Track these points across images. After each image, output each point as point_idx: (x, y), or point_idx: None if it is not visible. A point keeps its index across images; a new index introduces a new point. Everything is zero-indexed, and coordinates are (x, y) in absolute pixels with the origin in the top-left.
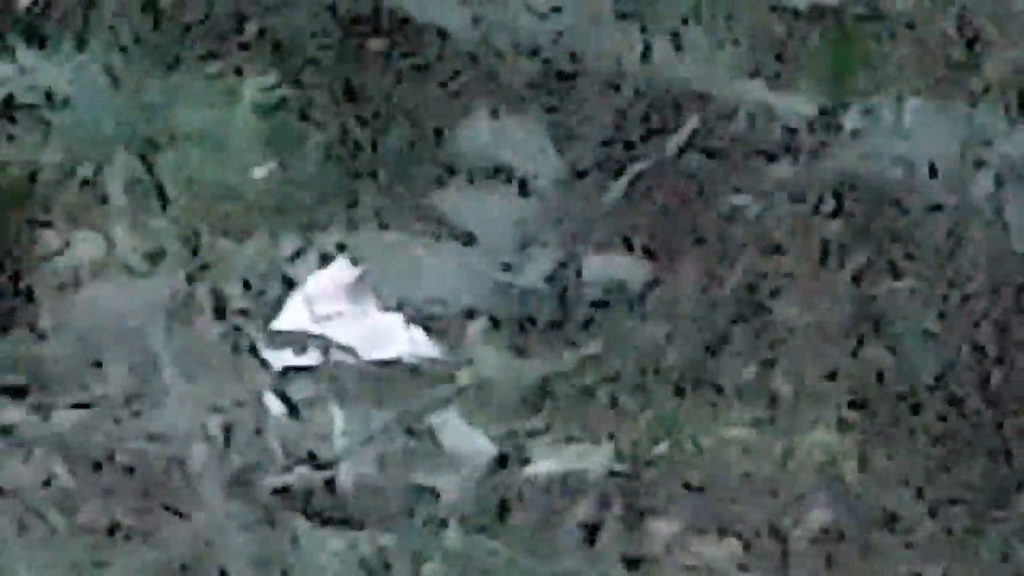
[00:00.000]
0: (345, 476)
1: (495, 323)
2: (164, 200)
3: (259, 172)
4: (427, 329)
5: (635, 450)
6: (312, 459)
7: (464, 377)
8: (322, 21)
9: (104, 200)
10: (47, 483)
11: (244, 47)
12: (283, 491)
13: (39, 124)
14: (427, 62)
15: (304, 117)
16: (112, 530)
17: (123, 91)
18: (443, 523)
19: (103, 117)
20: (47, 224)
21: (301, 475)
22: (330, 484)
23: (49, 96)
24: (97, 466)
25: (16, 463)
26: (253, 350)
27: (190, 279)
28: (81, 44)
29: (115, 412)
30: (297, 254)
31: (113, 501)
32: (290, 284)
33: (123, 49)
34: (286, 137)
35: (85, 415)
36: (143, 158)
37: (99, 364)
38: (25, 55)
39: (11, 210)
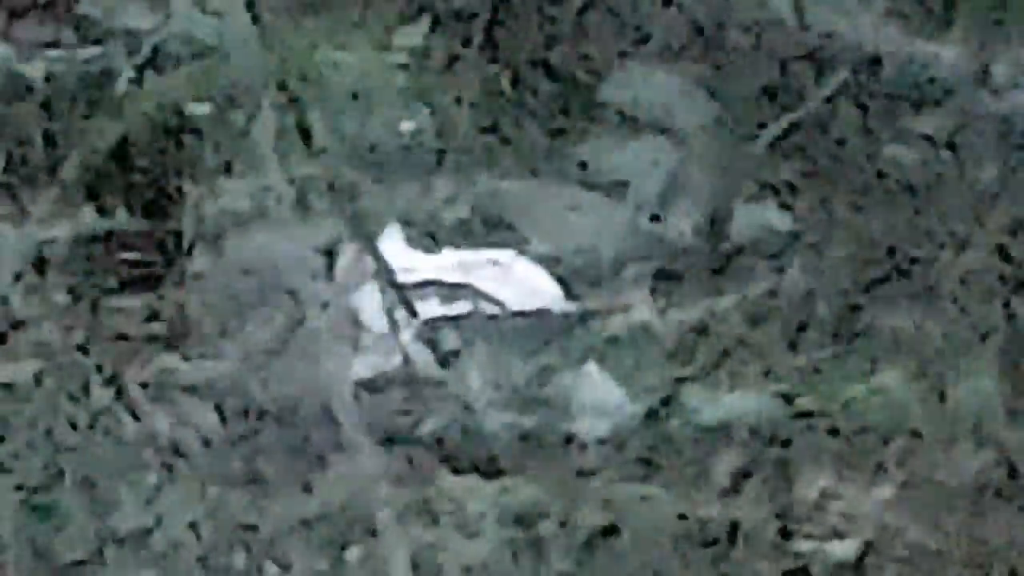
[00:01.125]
0: (493, 426)
1: (645, 272)
2: (313, 149)
3: (406, 125)
4: (576, 279)
5: (786, 399)
6: (460, 409)
7: (615, 326)
8: None
9: (254, 150)
10: (197, 432)
11: None
12: (431, 441)
13: (189, 73)
14: (575, 13)
15: (451, 68)
16: (261, 480)
17: (272, 41)
18: (592, 472)
19: (252, 67)
20: (196, 174)
21: (449, 425)
22: (478, 434)
23: (199, 46)
24: (245, 416)
25: (166, 412)
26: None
27: (342, 228)
28: None
29: (264, 362)
30: (449, 201)
31: (262, 451)
32: (440, 234)
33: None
34: (434, 89)
35: (234, 365)
36: (292, 108)
37: (249, 313)
38: (178, 4)
39: (161, 161)
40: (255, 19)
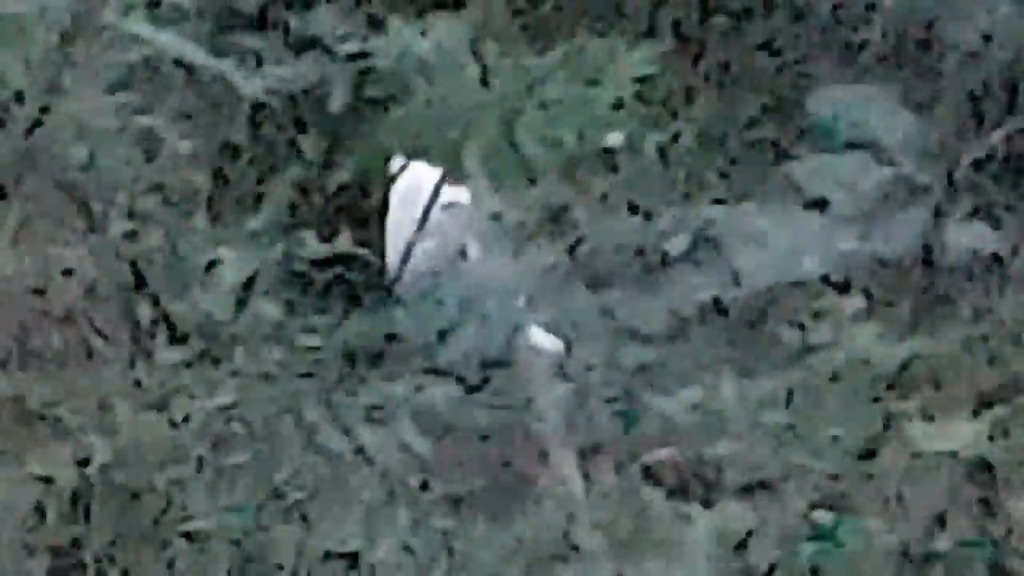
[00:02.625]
0: (716, 451)
1: (847, 288)
2: (528, 171)
3: (613, 139)
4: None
5: (998, 429)
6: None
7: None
8: None
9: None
10: (405, 451)
11: (619, 17)
12: (647, 466)
13: (402, 93)
14: (780, 32)
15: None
16: (467, 500)
17: (488, 62)
18: (813, 506)
19: (465, 87)
20: None
21: (664, 451)
22: (696, 460)
23: (414, 65)
24: (451, 434)
25: (376, 431)
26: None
27: (559, 251)
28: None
29: (469, 380)
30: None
31: (467, 470)
32: (664, 259)
33: (491, 22)
34: (658, 117)
35: (441, 383)
36: (505, 130)
37: (458, 333)
38: (396, 27)
39: (372, 181)
40: (474, 43)
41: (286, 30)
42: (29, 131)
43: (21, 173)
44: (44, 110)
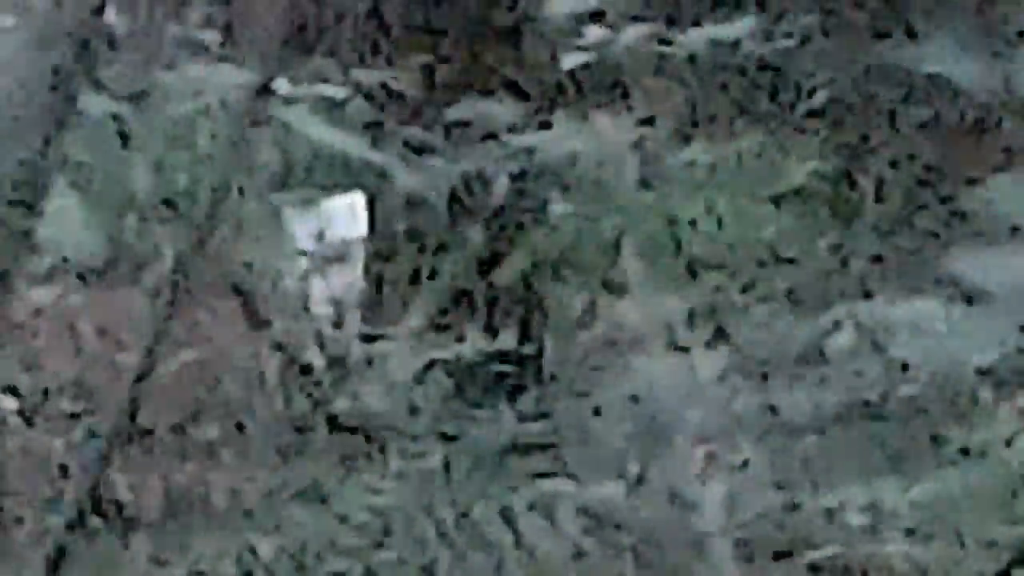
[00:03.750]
0: (882, 550)
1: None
2: (690, 269)
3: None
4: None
5: None
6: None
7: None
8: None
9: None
10: (577, 555)
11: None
12: (815, 567)
13: (559, 187)
14: (938, 117)
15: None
16: None
17: (645, 158)
18: None
19: (627, 183)
20: (564, 281)
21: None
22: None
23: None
24: (611, 528)
25: (538, 525)
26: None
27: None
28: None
29: (635, 488)
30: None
31: (626, 563)
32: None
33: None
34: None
35: (601, 478)
36: (667, 224)
37: (619, 428)
38: (561, 121)
39: (534, 272)
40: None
41: (446, 121)
42: (198, 228)
43: (188, 269)
44: (213, 207)
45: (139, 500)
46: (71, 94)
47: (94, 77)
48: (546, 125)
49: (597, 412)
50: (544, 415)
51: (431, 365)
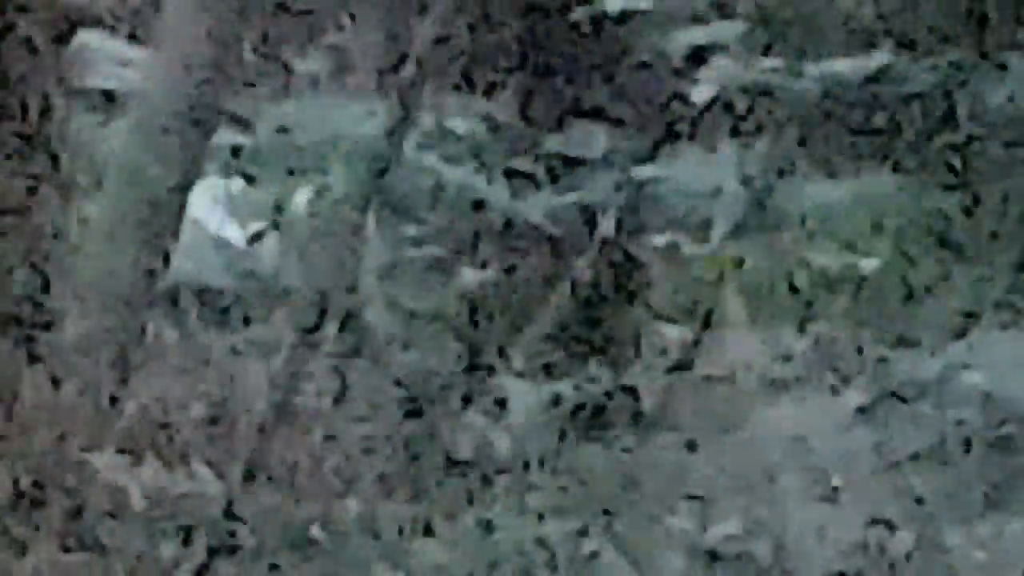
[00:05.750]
0: None
1: None
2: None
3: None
4: None
5: None
6: None
7: None
8: None
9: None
10: None
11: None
12: None
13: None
14: None
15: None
16: None
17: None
18: None
19: (735, 216)
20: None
21: None
22: None
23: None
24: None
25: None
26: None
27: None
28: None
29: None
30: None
31: None
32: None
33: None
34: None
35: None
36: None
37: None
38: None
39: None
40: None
41: (552, 152)
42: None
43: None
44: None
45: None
46: (209, 127)
47: (226, 110)
48: (657, 157)
49: (705, 449)
50: (650, 451)
51: (541, 399)
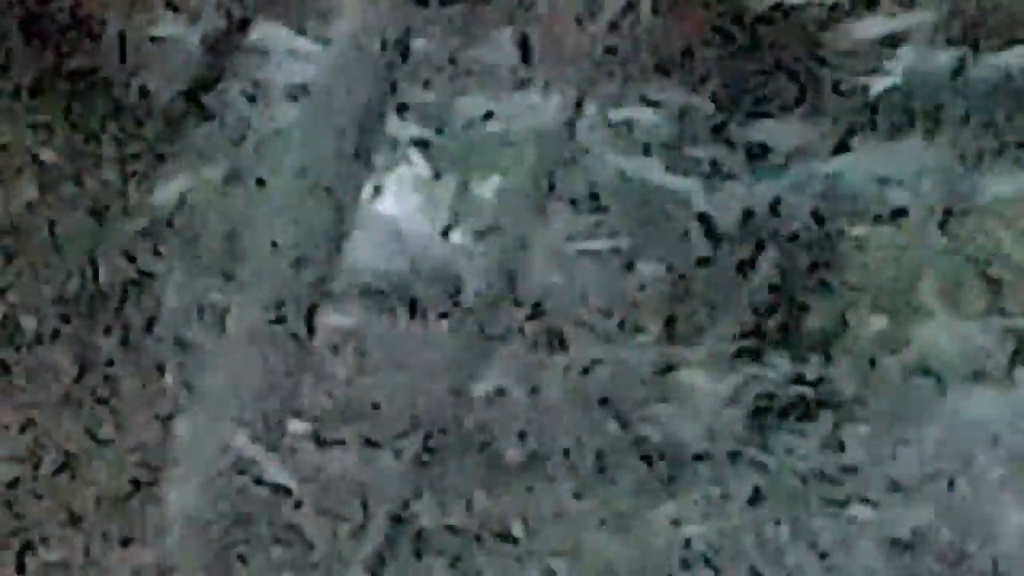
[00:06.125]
0: None
1: None
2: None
3: None
4: None
5: None
6: None
7: None
8: None
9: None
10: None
11: None
12: None
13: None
14: None
15: None
16: None
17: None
18: None
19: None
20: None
21: None
22: None
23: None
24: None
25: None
26: None
27: None
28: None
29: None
30: None
31: None
32: None
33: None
34: None
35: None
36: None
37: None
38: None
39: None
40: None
41: (746, 145)
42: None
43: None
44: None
45: (440, 524)
46: (379, 121)
47: (399, 103)
48: (847, 149)
49: (900, 440)
50: (843, 442)
51: (731, 390)
